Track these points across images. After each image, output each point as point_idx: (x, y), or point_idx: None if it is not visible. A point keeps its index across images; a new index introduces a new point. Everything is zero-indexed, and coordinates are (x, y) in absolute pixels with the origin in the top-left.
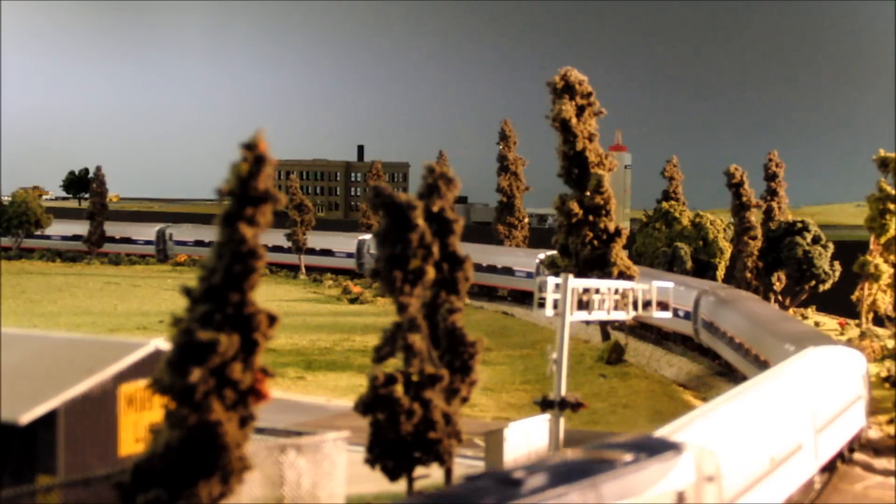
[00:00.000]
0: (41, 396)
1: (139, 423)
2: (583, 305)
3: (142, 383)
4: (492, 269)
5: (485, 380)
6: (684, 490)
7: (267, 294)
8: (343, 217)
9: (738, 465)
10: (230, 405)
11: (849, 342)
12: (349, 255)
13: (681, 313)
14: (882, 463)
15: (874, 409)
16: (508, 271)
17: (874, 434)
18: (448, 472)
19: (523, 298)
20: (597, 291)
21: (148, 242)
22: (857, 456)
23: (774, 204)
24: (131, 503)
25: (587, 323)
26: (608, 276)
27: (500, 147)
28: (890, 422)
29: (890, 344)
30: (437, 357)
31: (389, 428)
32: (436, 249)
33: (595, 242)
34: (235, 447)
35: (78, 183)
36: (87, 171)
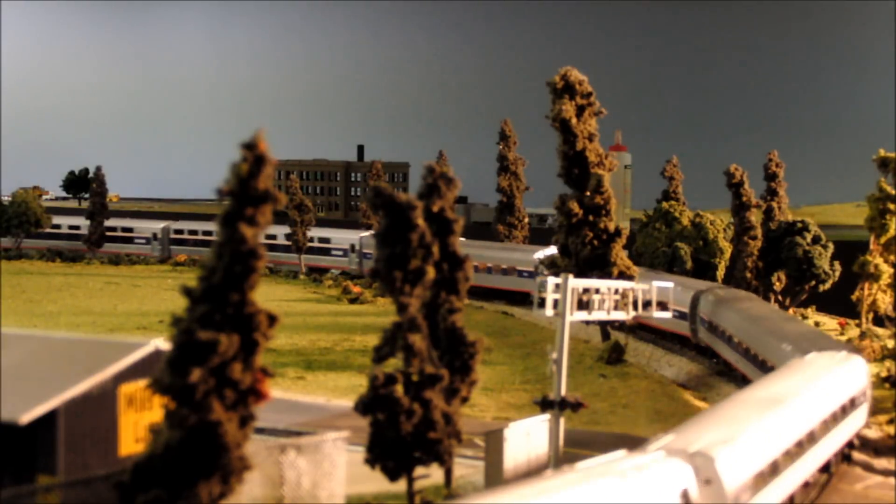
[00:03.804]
0: (41, 396)
1: (139, 423)
2: (583, 305)
3: (142, 383)
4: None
5: (485, 380)
6: None
7: (267, 294)
8: (343, 217)
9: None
10: (230, 405)
11: (849, 342)
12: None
13: (675, 313)
14: (882, 463)
15: (874, 409)
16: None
17: (874, 434)
18: (448, 472)
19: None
20: (597, 291)
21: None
22: (857, 456)
23: (774, 204)
24: (131, 503)
25: (587, 323)
26: (608, 276)
27: (500, 147)
28: (890, 422)
29: (890, 344)
30: (437, 357)
31: (389, 428)
32: (436, 249)
33: (595, 242)
34: (235, 447)
35: (78, 183)
36: (87, 171)
